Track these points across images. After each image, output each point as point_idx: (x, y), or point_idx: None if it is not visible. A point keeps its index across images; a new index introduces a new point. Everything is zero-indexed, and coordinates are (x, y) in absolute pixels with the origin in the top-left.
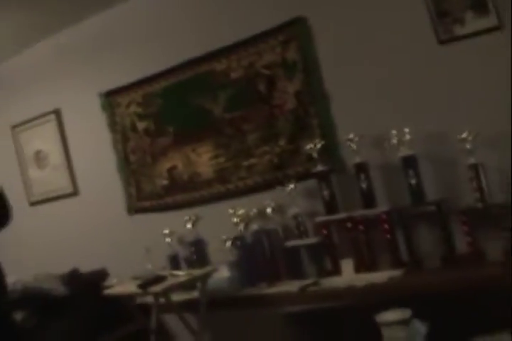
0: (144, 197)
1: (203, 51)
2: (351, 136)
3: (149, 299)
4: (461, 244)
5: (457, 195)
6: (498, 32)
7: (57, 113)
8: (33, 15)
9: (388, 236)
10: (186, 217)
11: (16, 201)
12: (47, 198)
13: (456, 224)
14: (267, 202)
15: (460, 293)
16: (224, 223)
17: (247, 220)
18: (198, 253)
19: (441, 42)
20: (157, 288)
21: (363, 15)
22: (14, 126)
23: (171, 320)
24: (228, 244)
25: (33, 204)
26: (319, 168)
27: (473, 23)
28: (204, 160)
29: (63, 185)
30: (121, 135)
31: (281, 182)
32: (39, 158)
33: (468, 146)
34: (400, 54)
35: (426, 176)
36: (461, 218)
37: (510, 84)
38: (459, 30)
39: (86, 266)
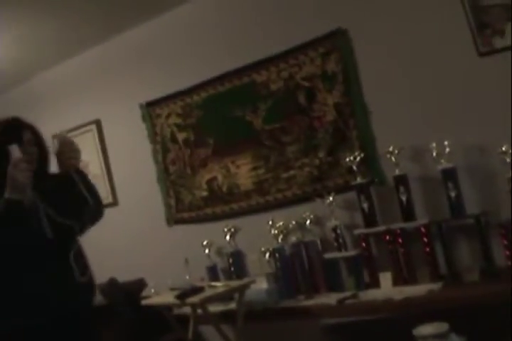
0: (183, 208)
1: (242, 63)
2: (391, 148)
3: (187, 310)
4: (501, 257)
5: (497, 208)
6: None
7: (97, 123)
8: (75, 26)
9: (427, 249)
10: (225, 229)
11: None
12: None
13: (496, 238)
14: (305, 214)
15: (499, 306)
16: (263, 235)
17: (285, 232)
18: (236, 264)
19: (481, 54)
20: (195, 298)
21: (404, 27)
22: (54, 136)
23: (209, 331)
24: (267, 255)
25: None
26: (359, 180)
27: None
28: (243, 171)
29: (103, 195)
30: (161, 146)
31: (321, 195)
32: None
33: (507, 159)
34: (440, 66)
35: (466, 189)
36: (500, 231)
37: None
38: (498, 42)
39: (125, 276)
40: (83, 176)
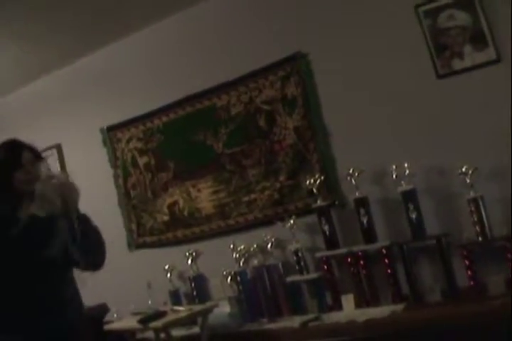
0: (144, 233)
1: (203, 87)
2: (351, 171)
3: (150, 334)
4: (463, 277)
5: (458, 228)
6: (496, 65)
7: (58, 148)
8: (34, 51)
9: (389, 270)
10: (187, 253)
11: None
12: None
13: (458, 258)
14: (267, 237)
15: (461, 327)
16: (224, 258)
17: (247, 256)
18: (198, 288)
19: (440, 76)
20: (158, 323)
21: (363, 50)
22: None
23: None
24: (229, 279)
25: None
26: (319, 203)
27: (471, 56)
28: (204, 195)
29: None
30: (122, 170)
31: (282, 218)
32: None
33: (467, 180)
34: (399, 89)
35: (426, 210)
36: (461, 252)
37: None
38: (457, 64)
39: (87, 302)
40: (84, 220)
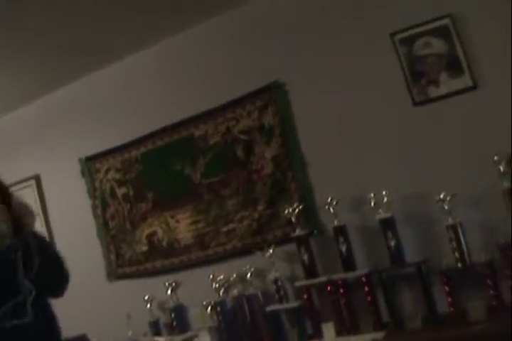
0: (124, 264)
1: (180, 117)
2: (329, 199)
3: None
4: (443, 304)
5: (438, 255)
6: (473, 92)
7: (36, 179)
8: (11, 82)
9: (369, 298)
10: (166, 283)
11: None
12: None
13: (438, 285)
14: (246, 267)
15: None
16: (204, 288)
17: (227, 285)
18: (178, 319)
19: (417, 104)
20: None
21: (340, 79)
22: None
23: None
24: (209, 309)
25: None
26: (298, 232)
27: (447, 84)
28: (183, 225)
29: None
30: (100, 201)
31: (261, 247)
32: None
33: (446, 207)
34: (376, 116)
35: (405, 237)
36: (441, 278)
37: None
38: (433, 92)
39: (66, 333)
40: (41, 240)
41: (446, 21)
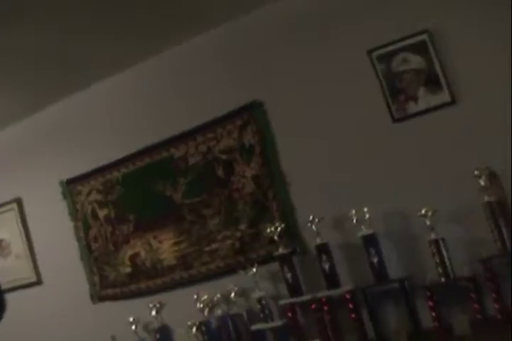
0: (107, 285)
1: (160, 138)
2: (311, 217)
3: None
4: (428, 319)
5: (421, 270)
6: (451, 107)
7: (18, 202)
8: None
9: (353, 315)
10: (151, 304)
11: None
12: (11, 287)
13: (421, 300)
14: (230, 286)
15: None
16: (189, 309)
17: (211, 305)
18: (163, 339)
19: (396, 120)
20: None
21: (318, 96)
22: None
23: None
24: (194, 329)
25: None
26: (281, 250)
27: (426, 99)
28: (166, 246)
29: (26, 274)
30: (82, 223)
31: (244, 266)
32: (1, 247)
33: (428, 222)
34: (356, 134)
35: (388, 253)
36: (425, 293)
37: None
38: (412, 108)
39: None
40: None
41: (423, 37)
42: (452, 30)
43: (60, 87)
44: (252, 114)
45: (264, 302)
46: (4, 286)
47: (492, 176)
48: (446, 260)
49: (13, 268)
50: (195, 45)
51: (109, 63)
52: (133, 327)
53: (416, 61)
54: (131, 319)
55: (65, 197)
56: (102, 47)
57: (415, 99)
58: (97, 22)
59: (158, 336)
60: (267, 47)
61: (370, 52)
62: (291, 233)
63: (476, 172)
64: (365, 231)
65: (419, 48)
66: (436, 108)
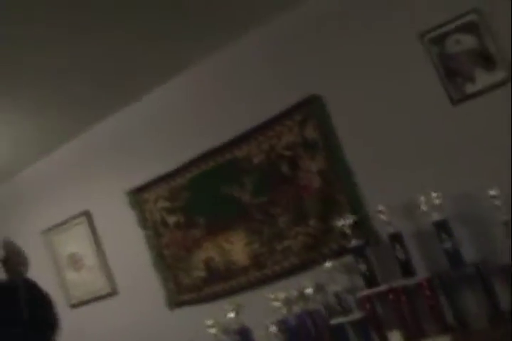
0: (183, 291)
1: (222, 140)
2: (380, 207)
3: None
4: (507, 301)
5: (495, 252)
6: (508, 84)
7: (87, 214)
8: (52, 120)
9: (432, 303)
10: (228, 306)
11: (56, 304)
12: (87, 300)
13: (499, 282)
14: (306, 282)
15: None
16: (266, 308)
17: (288, 303)
18: None
19: (455, 102)
20: None
21: (374, 86)
22: (45, 231)
23: None
24: (273, 328)
25: (73, 306)
26: (354, 243)
27: (482, 79)
28: (238, 247)
29: (101, 285)
30: (152, 231)
31: (318, 262)
32: (74, 260)
33: (498, 203)
34: (417, 120)
35: (461, 237)
36: (501, 276)
37: None
38: (470, 89)
39: None
40: (31, 285)
41: (472, 16)
42: (500, 5)
43: (116, 99)
44: (310, 108)
45: (341, 295)
46: (81, 299)
47: None
48: None
49: (88, 280)
50: (251, 40)
51: (163, 69)
52: (212, 330)
53: (468, 41)
54: (209, 322)
55: (132, 206)
56: (155, 54)
57: (472, 79)
58: (151, 28)
59: (238, 338)
60: (318, 39)
61: (422, 35)
62: (362, 224)
63: None
64: (436, 217)
65: (471, 28)
66: (493, 86)
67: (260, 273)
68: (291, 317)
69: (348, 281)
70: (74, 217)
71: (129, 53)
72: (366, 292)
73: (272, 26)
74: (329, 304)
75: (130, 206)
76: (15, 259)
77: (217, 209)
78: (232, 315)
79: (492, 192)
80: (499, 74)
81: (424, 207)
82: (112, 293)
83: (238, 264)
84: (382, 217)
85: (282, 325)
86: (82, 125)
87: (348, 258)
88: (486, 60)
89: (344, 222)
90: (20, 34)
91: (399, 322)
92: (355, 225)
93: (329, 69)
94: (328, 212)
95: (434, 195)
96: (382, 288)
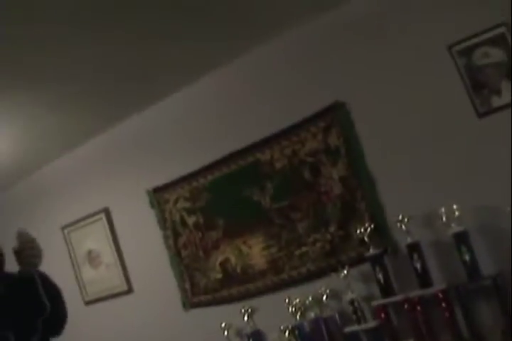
0: (198, 292)
1: (245, 143)
2: (400, 217)
3: None
4: None
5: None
6: None
7: (106, 212)
8: (76, 117)
9: (447, 314)
10: (242, 310)
11: (71, 301)
12: (102, 297)
13: None
14: (322, 289)
15: None
16: (281, 313)
17: (303, 309)
18: None
19: (481, 115)
20: None
21: (400, 95)
22: (64, 227)
23: None
24: (287, 333)
25: (88, 303)
26: (372, 251)
27: (509, 92)
28: (256, 251)
29: (117, 283)
30: (171, 231)
31: (335, 269)
32: (91, 257)
33: None
34: (441, 131)
35: (479, 250)
36: None
37: None
38: (496, 102)
39: None
40: (44, 278)
41: (501, 29)
42: None
43: (142, 97)
44: (335, 115)
45: (356, 303)
46: (96, 296)
47: None
48: None
49: (104, 277)
50: (277, 46)
51: (190, 69)
52: (225, 332)
53: (496, 54)
54: (223, 325)
55: (152, 205)
56: (182, 54)
57: (499, 92)
58: (180, 29)
59: None
60: (344, 47)
61: (450, 47)
62: (381, 233)
63: None
64: (455, 228)
65: (499, 41)
66: None
67: (277, 278)
68: (306, 323)
69: (364, 289)
70: (93, 214)
71: (157, 53)
72: (382, 301)
73: (300, 30)
74: (344, 311)
75: (150, 205)
76: (28, 251)
77: (237, 212)
78: (246, 318)
79: None
80: None
81: (444, 218)
82: (128, 291)
83: (255, 268)
84: (402, 226)
85: (296, 330)
86: (107, 122)
87: (366, 267)
88: None
89: (363, 229)
90: (42, 31)
91: (413, 333)
92: (374, 233)
93: (354, 76)
94: (347, 219)
95: (454, 206)
96: (398, 297)
